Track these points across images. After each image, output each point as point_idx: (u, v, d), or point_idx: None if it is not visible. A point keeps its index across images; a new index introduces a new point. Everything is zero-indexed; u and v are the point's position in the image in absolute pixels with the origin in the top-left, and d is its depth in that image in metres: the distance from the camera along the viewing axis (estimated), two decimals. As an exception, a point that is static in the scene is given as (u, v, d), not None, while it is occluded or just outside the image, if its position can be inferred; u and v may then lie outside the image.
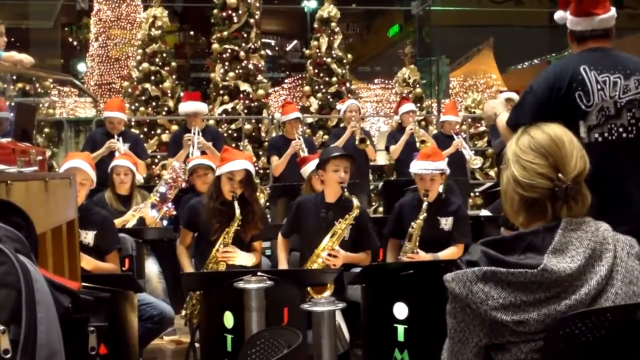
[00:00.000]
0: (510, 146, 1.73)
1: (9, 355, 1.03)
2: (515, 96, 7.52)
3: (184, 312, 3.93)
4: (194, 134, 6.05)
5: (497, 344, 1.57)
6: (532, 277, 1.51)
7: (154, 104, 9.61)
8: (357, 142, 6.43)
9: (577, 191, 1.63)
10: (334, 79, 10.29)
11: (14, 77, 8.92)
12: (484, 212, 5.73)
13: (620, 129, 2.58)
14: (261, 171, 9.01)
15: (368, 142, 6.51)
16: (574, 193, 1.62)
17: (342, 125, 7.12)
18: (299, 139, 6.40)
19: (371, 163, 7.53)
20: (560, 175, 1.62)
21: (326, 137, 9.21)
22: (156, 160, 9.04)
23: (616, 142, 2.58)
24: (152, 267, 4.79)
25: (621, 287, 1.55)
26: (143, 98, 9.61)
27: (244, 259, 3.94)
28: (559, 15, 2.77)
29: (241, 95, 9.56)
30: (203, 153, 5.86)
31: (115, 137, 5.97)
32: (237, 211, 3.86)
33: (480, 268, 1.54)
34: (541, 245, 1.58)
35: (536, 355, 1.53)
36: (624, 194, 2.57)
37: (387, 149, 7.27)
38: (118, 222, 4.60)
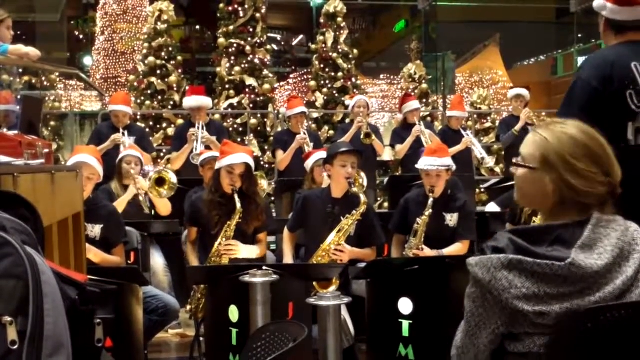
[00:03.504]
0: (551, 146, 1.64)
1: (16, 347, 1.03)
2: (525, 92, 7.49)
3: (189, 307, 3.93)
4: (199, 128, 6.06)
5: (512, 334, 1.57)
6: (559, 271, 1.50)
7: (159, 97, 9.60)
8: (362, 137, 6.42)
9: None
10: (340, 74, 10.26)
11: (20, 70, 8.94)
12: (489, 207, 5.71)
13: None
14: (267, 166, 9.01)
15: (373, 137, 6.49)
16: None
17: (348, 120, 7.10)
18: (304, 133, 6.40)
19: (377, 159, 7.51)
20: (610, 180, 1.61)
21: (332, 132, 9.20)
22: (162, 154, 9.04)
23: None
24: (158, 260, 4.81)
25: None
26: (149, 92, 9.60)
27: (246, 252, 3.94)
28: (597, 3, 2.61)
29: (247, 90, 9.54)
30: (207, 148, 5.86)
31: (121, 130, 5.99)
32: (238, 204, 3.85)
33: (506, 256, 1.53)
34: (570, 239, 1.57)
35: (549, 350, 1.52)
36: None
37: (391, 146, 7.25)
38: (122, 200, 4.65)
